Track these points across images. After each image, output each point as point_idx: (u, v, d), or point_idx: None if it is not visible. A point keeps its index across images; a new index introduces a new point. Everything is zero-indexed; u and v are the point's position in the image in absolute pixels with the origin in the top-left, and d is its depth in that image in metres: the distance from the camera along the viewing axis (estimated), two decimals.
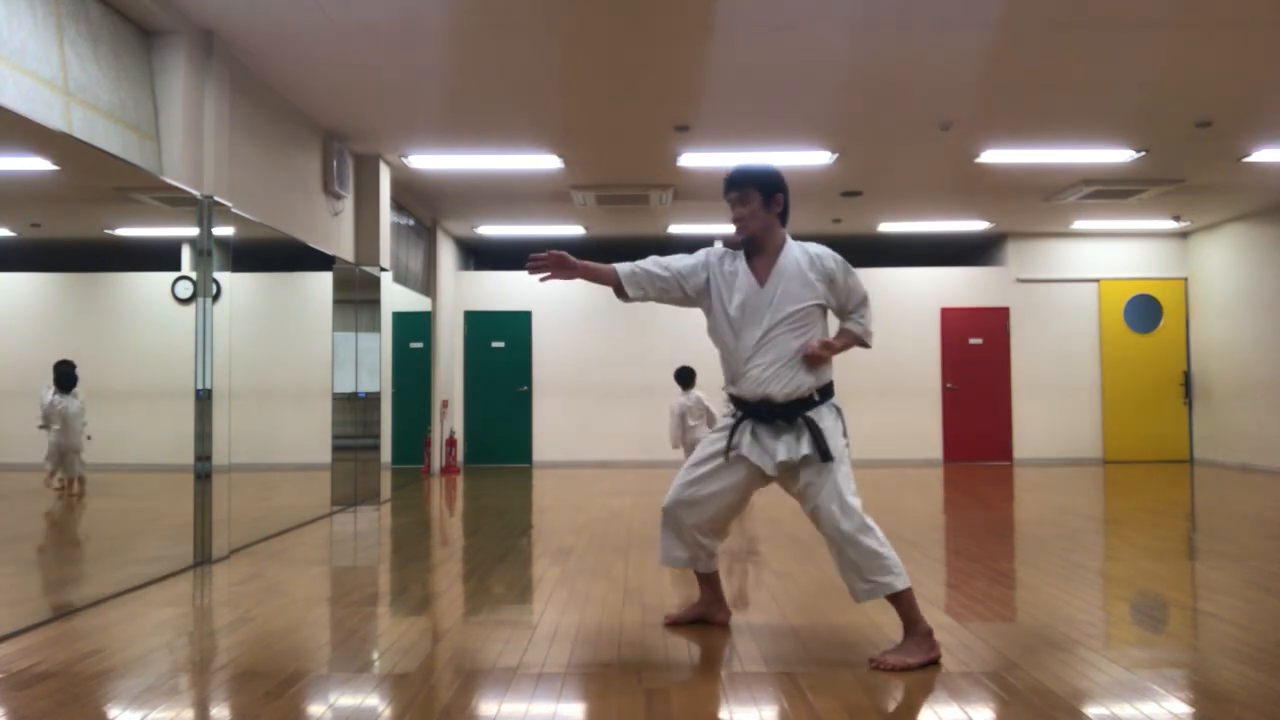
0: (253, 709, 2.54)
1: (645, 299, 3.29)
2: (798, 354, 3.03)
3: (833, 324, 3.20)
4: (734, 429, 3.13)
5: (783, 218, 3.21)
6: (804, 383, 3.04)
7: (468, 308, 11.10)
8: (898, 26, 4.84)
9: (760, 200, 3.17)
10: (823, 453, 2.97)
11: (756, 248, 3.17)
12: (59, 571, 4.67)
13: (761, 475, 3.09)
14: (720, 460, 3.14)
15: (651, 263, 3.27)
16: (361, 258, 7.30)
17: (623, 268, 3.24)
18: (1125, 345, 10.93)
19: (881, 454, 10.78)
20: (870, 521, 2.95)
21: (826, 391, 3.10)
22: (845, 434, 3.10)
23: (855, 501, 2.97)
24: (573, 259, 3.15)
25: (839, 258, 3.15)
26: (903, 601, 2.92)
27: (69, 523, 5.11)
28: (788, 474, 3.05)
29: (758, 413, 3.08)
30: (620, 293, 3.27)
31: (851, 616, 3.43)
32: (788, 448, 3.02)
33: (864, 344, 3.22)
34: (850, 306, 3.18)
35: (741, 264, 3.16)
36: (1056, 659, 2.96)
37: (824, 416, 3.05)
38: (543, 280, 3.23)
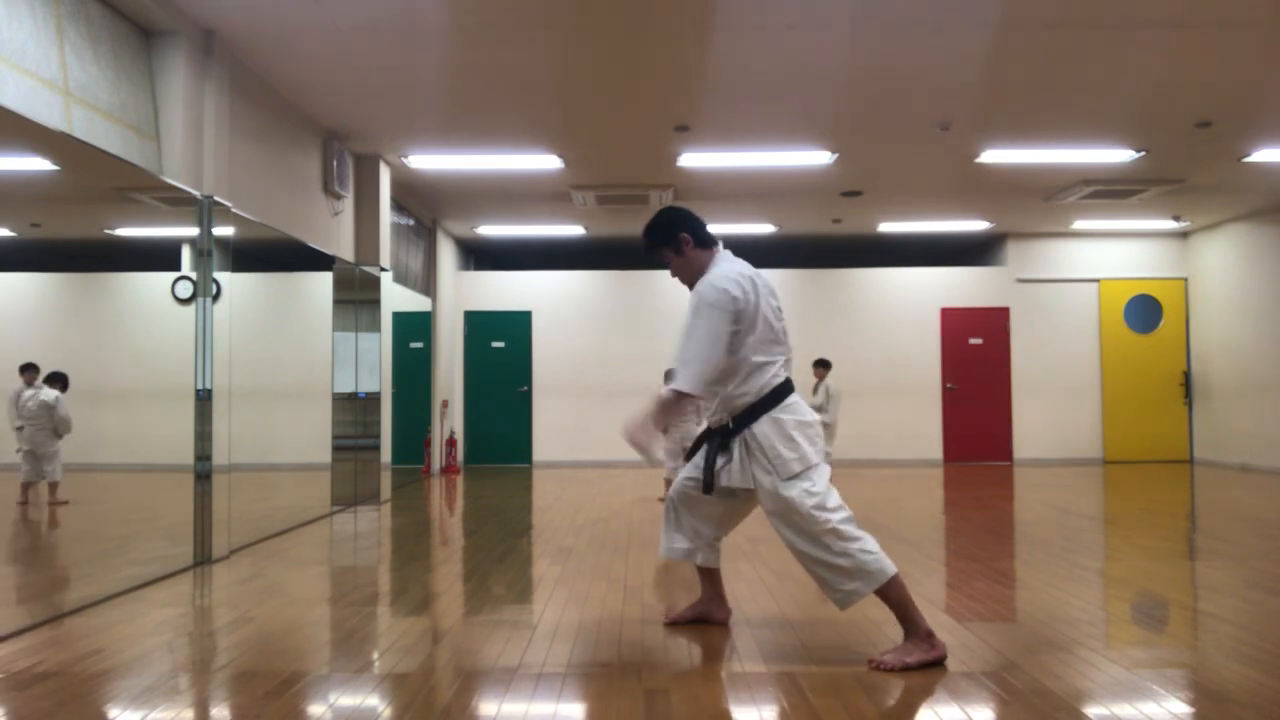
0: (253, 709, 2.54)
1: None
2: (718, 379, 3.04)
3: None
4: (700, 443, 3.24)
5: (702, 244, 3.20)
6: (725, 405, 3.05)
7: (468, 308, 11.10)
8: (898, 26, 4.85)
9: (671, 251, 3.22)
10: (705, 485, 3.05)
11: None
12: (59, 571, 4.67)
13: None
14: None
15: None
16: (361, 258, 7.30)
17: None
18: (1125, 345, 10.93)
19: (881, 454, 10.78)
20: (824, 536, 2.86)
21: (743, 418, 2.99)
22: (784, 454, 2.92)
23: (797, 519, 2.89)
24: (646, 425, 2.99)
25: (700, 290, 2.98)
26: (893, 602, 2.90)
27: (27, 536, 5.05)
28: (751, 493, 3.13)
29: (709, 434, 3.19)
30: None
31: (851, 616, 3.43)
32: (728, 472, 3.09)
33: (678, 402, 2.90)
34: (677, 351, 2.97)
35: None
36: (1056, 659, 2.96)
37: (744, 446, 2.98)
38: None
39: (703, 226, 3.24)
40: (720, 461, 3.07)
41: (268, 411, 6.10)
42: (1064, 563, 4.58)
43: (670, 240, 3.21)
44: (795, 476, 2.91)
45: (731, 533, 3.54)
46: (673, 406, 2.96)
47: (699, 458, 3.25)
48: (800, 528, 2.91)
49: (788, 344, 3.12)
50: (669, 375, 2.94)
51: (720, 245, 3.27)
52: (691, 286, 3.21)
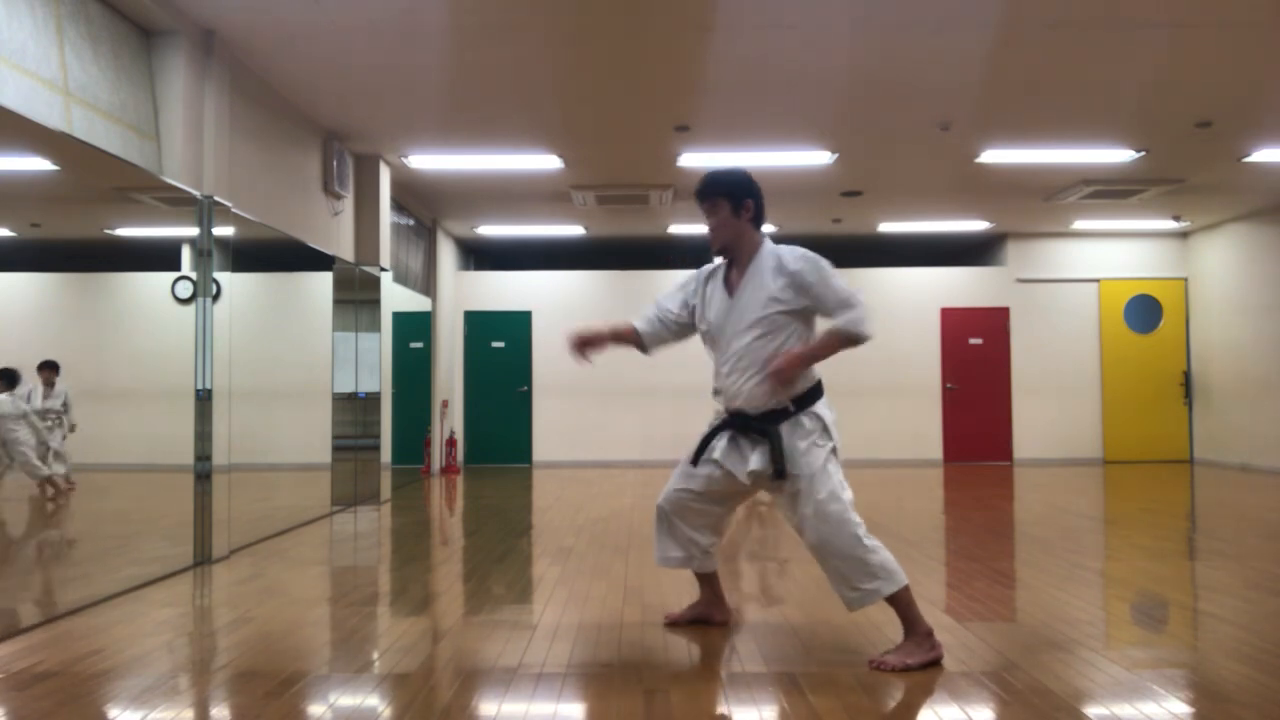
0: (253, 709, 2.54)
1: (669, 345, 3.31)
2: (766, 365, 2.97)
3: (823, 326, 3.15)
4: (712, 435, 3.15)
5: (756, 222, 3.15)
6: (788, 388, 2.99)
7: (468, 308, 11.10)
8: (898, 26, 4.84)
9: (729, 208, 3.11)
10: (778, 471, 2.92)
11: (733, 257, 3.15)
12: (59, 571, 4.67)
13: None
14: (706, 464, 3.16)
15: (658, 312, 3.27)
16: (361, 258, 7.30)
17: (641, 327, 3.26)
18: (1125, 345, 10.93)
19: (881, 454, 10.78)
20: (857, 529, 2.87)
21: (805, 400, 2.99)
22: (833, 439, 2.99)
23: (837, 509, 2.88)
24: (591, 334, 3.23)
25: (810, 257, 3.00)
26: (900, 602, 2.90)
27: (31, 529, 5.07)
28: (769, 483, 3.02)
29: (734, 423, 3.09)
30: (643, 349, 3.31)
31: (851, 616, 3.43)
32: (760, 459, 2.98)
33: (851, 343, 2.96)
34: (829, 309, 2.96)
35: (720, 275, 3.17)
36: (1056, 659, 2.96)
37: (799, 429, 2.96)
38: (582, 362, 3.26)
39: (763, 209, 3.19)
40: (755, 452, 3.02)
41: (268, 411, 6.10)
42: (1064, 563, 4.58)
43: (736, 198, 3.11)
44: (828, 470, 2.93)
45: (730, 534, 3.53)
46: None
47: (684, 467, 3.21)
48: (837, 517, 2.87)
49: None
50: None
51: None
52: (722, 251, 3.16)
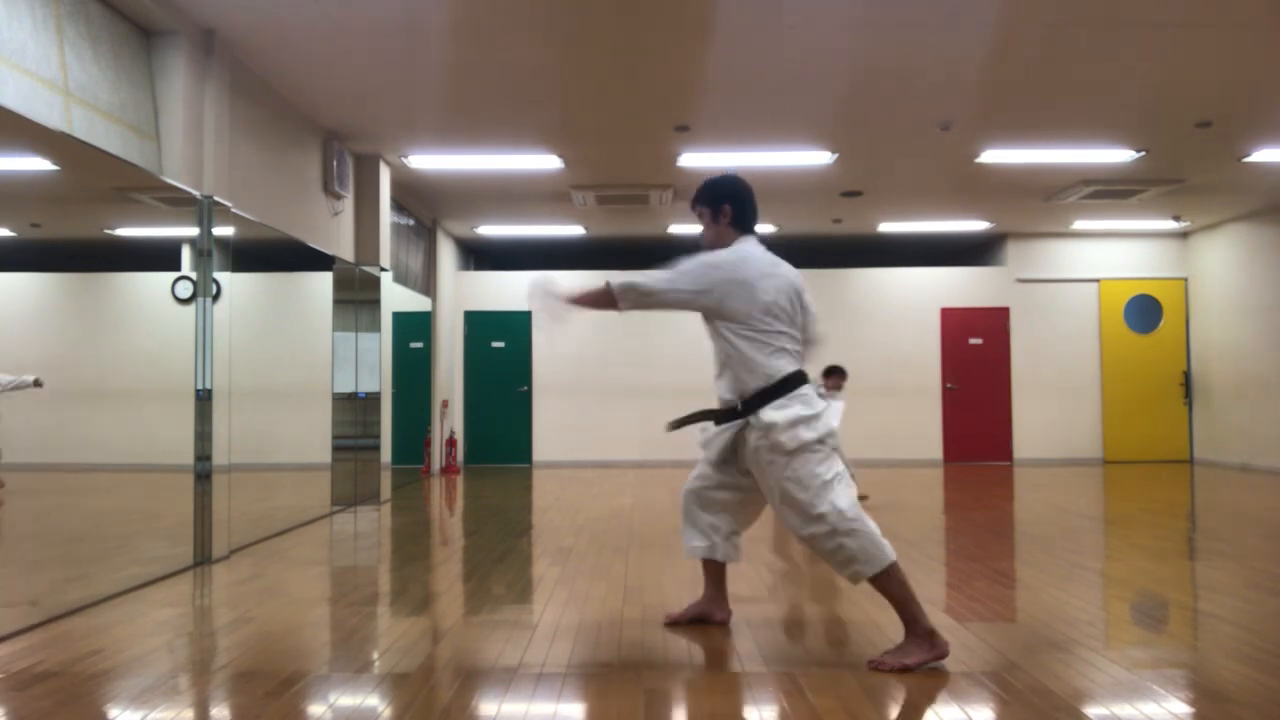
0: (253, 709, 2.54)
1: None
2: (727, 360, 3.03)
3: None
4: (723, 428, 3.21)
5: (739, 225, 3.18)
6: (736, 387, 3.02)
7: (468, 308, 11.10)
8: (898, 26, 4.85)
9: (709, 214, 3.22)
10: (723, 459, 3.09)
11: None
12: (58, 571, 4.67)
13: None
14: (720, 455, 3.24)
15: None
16: (361, 258, 7.30)
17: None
18: (1125, 345, 10.93)
19: (881, 454, 10.78)
20: (816, 527, 2.86)
21: (752, 402, 2.97)
22: (816, 427, 2.94)
23: (807, 496, 2.86)
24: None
25: (716, 250, 3.10)
26: (893, 596, 2.88)
27: None
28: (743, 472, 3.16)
29: (728, 414, 3.16)
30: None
31: (851, 616, 3.43)
32: (716, 448, 3.14)
33: (609, 302, 2.98)
34: None
35: None
36: (1056, 659, 2.96)
37: (751, 428, 2.98)
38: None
39: (750, 211, 3.21)
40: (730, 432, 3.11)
41: (268, 411, 6.10)
42: (1064, 563, 4.58)
43: (713, 205, 3.21)
44: (802, 457, 2.93)
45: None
46: (599, 298, 3.03)
47: (704, 466, 3.26)
48: (796, 513, 2.93)
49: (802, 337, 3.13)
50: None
51: (754, 237, 3.23)
52: None
